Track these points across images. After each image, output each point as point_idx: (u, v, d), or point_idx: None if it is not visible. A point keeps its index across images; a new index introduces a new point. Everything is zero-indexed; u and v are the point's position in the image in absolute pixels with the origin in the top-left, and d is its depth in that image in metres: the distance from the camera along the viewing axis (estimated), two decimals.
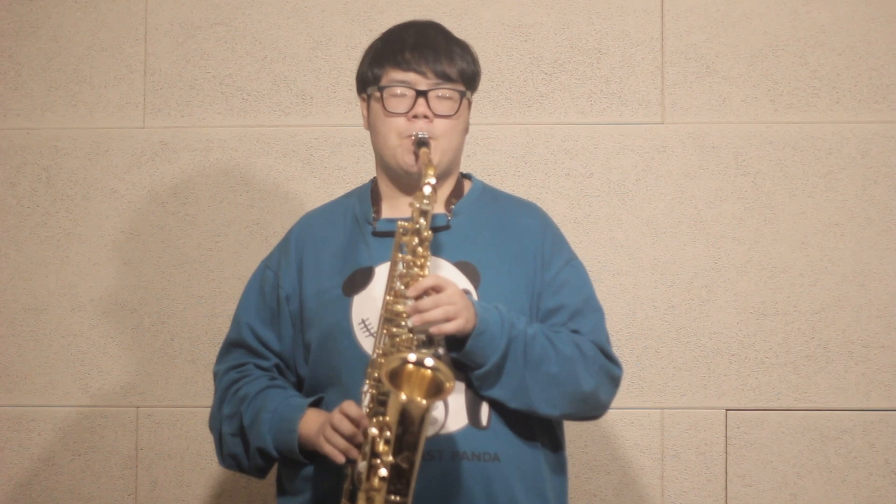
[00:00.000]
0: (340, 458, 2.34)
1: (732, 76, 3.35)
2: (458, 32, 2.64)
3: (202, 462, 3.38)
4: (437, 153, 2.48)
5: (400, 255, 2.38)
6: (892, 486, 3.28)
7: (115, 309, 3.41)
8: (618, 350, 3.28)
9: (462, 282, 2.46)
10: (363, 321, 2.44)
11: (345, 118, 3.37)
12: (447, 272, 2.46)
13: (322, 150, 3.40)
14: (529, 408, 2.41)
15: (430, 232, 2.37)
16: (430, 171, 2.38)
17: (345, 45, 3.40)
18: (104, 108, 3.45)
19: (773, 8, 3.35)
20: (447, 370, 2.25)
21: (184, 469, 3.39)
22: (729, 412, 3.31)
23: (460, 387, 2.41)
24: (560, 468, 2.55)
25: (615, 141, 3.36)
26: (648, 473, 3.31)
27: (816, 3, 3.35)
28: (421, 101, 2.47)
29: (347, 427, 2.32)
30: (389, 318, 2.35)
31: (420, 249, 2.37)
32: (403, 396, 2.22)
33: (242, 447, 2.54)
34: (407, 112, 2.47)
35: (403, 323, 2.34)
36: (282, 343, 2.60)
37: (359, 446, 2.31)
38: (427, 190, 2.36)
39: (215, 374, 2.65)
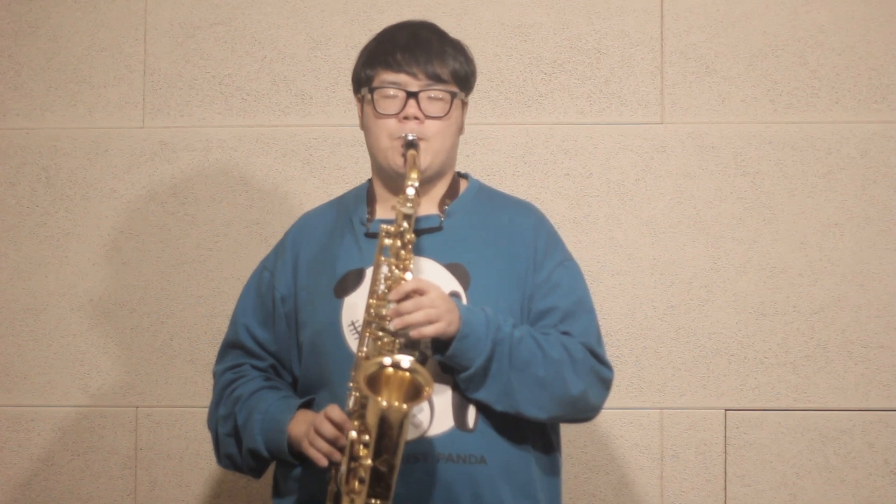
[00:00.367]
0: (323, 462, 2.37)
1: (732, 76, 3.35)
2: (458, 32, 2.64)
3: (201, 462, 3.38)
4: (429, 154, 2.48)
5: (383, 259, 2.38)
6: (891, 486, 3.28)
7: (115, 309, 3.41)
8: (617, 350, 3.30)
9: (451, 284, 2.46)
10: (353, 323, 2.44)
11: (344, 118, 3.37)
12: (437, 274, 2.46)
13: (321, 150, 3.40)
14: (516, 410, 2.41)
15: (412, 235, 2.38)
16: (414, 174, 2.39)
17: (344, 44, 3.40)
18: (103, 108, 3.45)
19: (773, 8, 3.35)
20: (426, 373, 2.27)
21: (183, 469, 3.39)
22: (728, 412, 3.31)
23: (446, 389, 2.42)
24: (553, 470, 2.54)
25: (614, 141, 3.36)
26: (648, 473, 3.31)
27: (816, 4, 3.35)
28: (411, 102, 2.46)
29: (329, 430, 2.35)
30: (372, 321, 2.36)
31: (403, 253, 2.38)
32: (381, 401, 2.24)
33: (237, 448, 2.56)
34: (397, 113, 2.47)
35: (386, 326, 2.34)
36: (278, 343, 2.61)
37: (342, 449, 2.32)
38: (410, 192, 2.37)
39: (214, 375, 2.67)
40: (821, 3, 3.34)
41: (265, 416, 2.49)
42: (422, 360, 2.38)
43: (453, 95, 2.50)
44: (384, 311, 2.34)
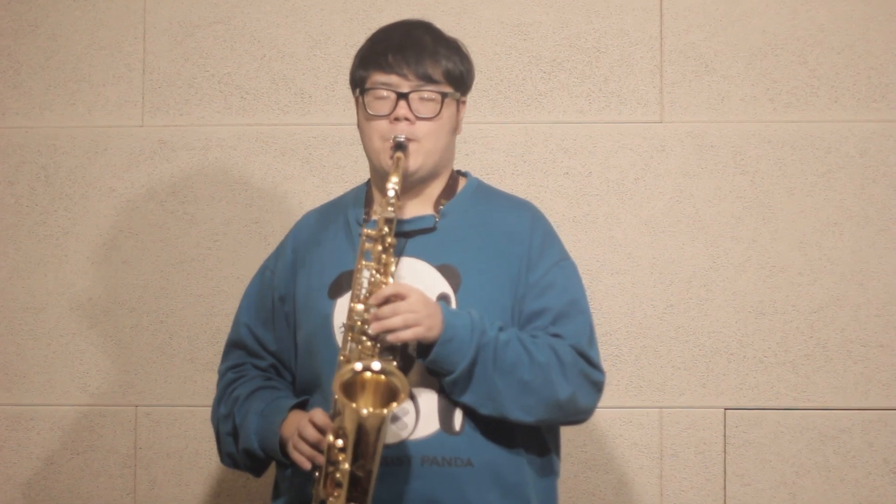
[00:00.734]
0: (306, 465, 2.39)
1: (731, 75, 3.35)
2: (457, 31, 2.64)
3: (201, 461, 3.38)
4: (421, 155, 2.48)
5: (364, 263, 2.39)
6: (890, 485, 3.28)
7: (114, 308, 3.41)
8: (616, 349, 3.30)
9: (442, 285, 2.46)
10: (344, 324, 2.44)
11: (343, 117, 3.37)
12: (428, 275, 2.47)
13: (321, 149, 3.40)
14: (501, 414, 2.40)
15: (393, 238, 2.39)
16: (395, 178, 2.40)
17: (343, 43, 3.40)
18: (103, 107, 3.45)
19: (772, 7, 3.35)
20: (402, 376, 2.28)
21: (182, 468, 3.39)
22: (728, 411, 3.31)
23: (433, 392, 2.42)
24: (547, 471, 2.54)
25: (614, 140, 3.36)
26: (647, 473, 3.31)
27: (815, 3, 3.35)
28: (402, 103, 2.46)
29: (312, 434, 2.37)
30: (354, 325, 2.37)
31: (384, 257, 2.38)
32: (355, 407, 2.25)
33: (236, 447, 2.57)
34: (388, 115, 2.47)
35: (367, 330, 2.35)
36: (278, 343, 2.63)
37: (324, 453, 2.33)
38: (391, 196, 2.38)
39: (218, 373, 2.70)
40: (820, 3, 3.34)
41: (260, 417, 2.51)
42: (407, 365, 2.39)
43: (444, 96, 2.49)
44: (366, 316, 2.35)
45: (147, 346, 3.40)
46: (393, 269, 2.39)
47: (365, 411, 2.25)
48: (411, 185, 2.52)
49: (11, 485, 3.41)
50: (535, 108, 3.38)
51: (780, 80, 3.34)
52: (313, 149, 3.40)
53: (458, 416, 2.42)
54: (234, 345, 2.68)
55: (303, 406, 2.51)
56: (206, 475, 3.39)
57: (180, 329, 3.40)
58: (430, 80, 2.48)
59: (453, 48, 2.54)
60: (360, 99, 2.52)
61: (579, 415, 2.52)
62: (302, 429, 2.39)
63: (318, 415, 2.38)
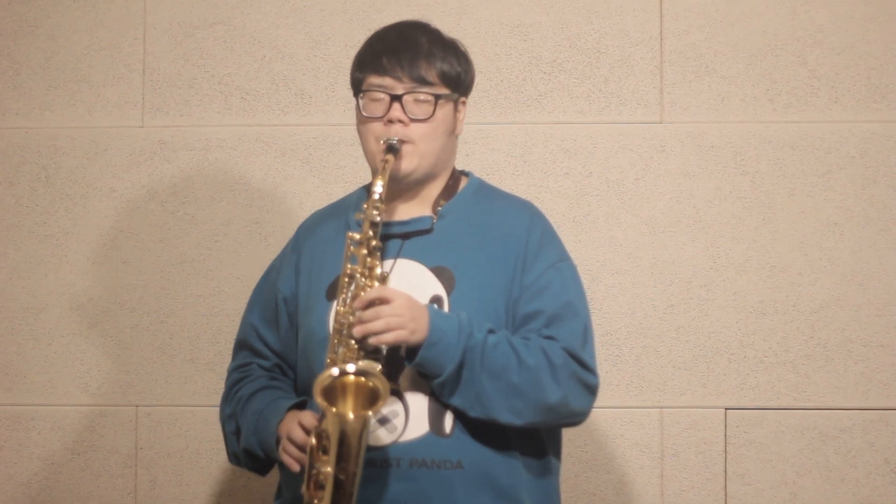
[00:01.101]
0: (295, 467, 2.41)
1: (731, 75, 3.35)
2: (457, 32, 2.63)
3: (201, 461, 3.38)
4: (416, 157, 2.48)
5: (350, 267, 2.40)
6: (891, 485, 3.28)
7: (114, 308, 3.42)
8: (617, 349, 3.30)
9: (436, 287, 2.46)
10: (332, 326, 2.43)
11: (343, 117, 3.37)
12: (422, 278, 2.47)
13: (321, 150, 3.40)
14: (490, 417, 2.40)
15: (378, 242, 2.40)
16: (379, 181, 2.40)
17: (343, 44, 3.39)
18: (103, 108, 3.45)
19: (772, 7, 3.35)
20: (382, 379, 2.28)
21: (183, 468, 3.39)
22: (728, 411, 3.31)
23: (423, 395, 2.42)
24: (545, 472, 2.53)
25: (614, 140, 3.35)
26: (648, 472, 3.31)
27: (815, 3, 3.34)
28: (396, 105, 2.47)
29: (299, 436, 2.39)
30: (340, 328, 2.38)
31: (369, 260, 2.39)
32: (342, 414, 2.26)
33: (239, 446, 2.59)
34: (382, 117, 2.47)
35: (353, 334, 2.36)
36: (282, 344, 2.64)
37: None
38: (375, 198, 2.38)
39: (227, 373, 2.71)
40: (820, 3, 3.34)
41: (260, 417, 2.52)
42: (397, 368, 2.40)
43: (438, 97, 2.49)
44: (351, 319, 2.36)
45: (147, 347, 3.41)
46: (379, 272, 2.40)
47: (343, 415, 2.26)
48: (408, 187, 2.52)
49: (12, 485, 3.42)
50: (535, 109, 3.38)
51: (780, 81, 3.34)
52: (313, 149, 3.40)
53: (448, 419, 2.42)
54: (240, 344, 2.70)
55: (301, 406, 2.52)
56: (206, 475, 3.39)
57: (181, 329, 3.40)
58: (424, 81, 2.48)
59: (450, 49, 2.54)
60: (358, 100, 2.52)
61: (572, 417, 2.51)
62: (290, 431, 2.41)
63: (307, 417, 2.39)
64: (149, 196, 3.42)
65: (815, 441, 3.29)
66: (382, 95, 2.48)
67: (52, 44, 3.46)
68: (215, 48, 3.44)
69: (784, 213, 3.31)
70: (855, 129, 3.31)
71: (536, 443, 2.51)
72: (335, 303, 2.45)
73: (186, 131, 3.43)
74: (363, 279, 2.39)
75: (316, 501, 2.31)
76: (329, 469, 2.28)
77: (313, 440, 2.31)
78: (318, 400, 2.26)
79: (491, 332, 2.42)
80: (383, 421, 2.41)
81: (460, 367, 2.37)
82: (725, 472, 3.30)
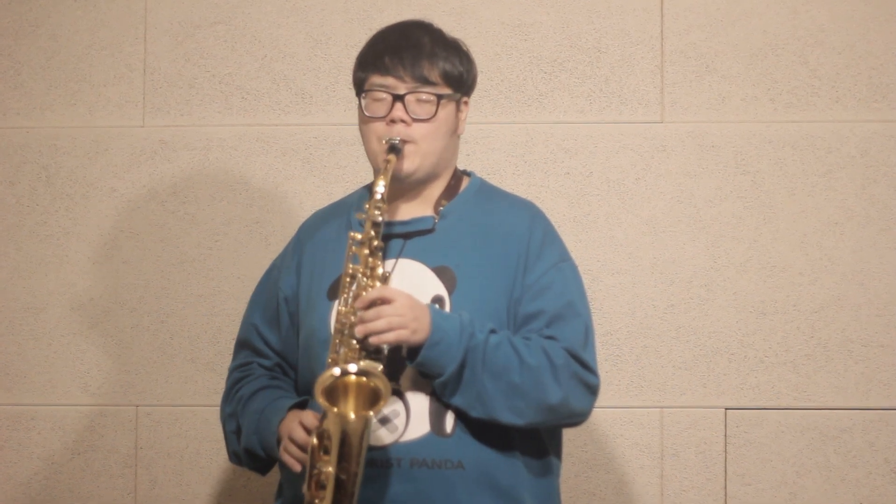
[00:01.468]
0: (297, 467, 2.40)
1: (732, 75, 3.35)
2: (457, 31, 2.63)
3: (201, 461, 3.38)
4: (418, 157, 2.48)
5: (352, 267, 2.40)
6: (891, 485, 3.28)
7: (115, 308, 3.41)
8: (617, 349, 3.30)
9: (437, 287, 2.46)
10: (334, 326, 2.43)
11: (344, 117, 3.37)
12: (424, 277, 2.47)
13: (321, 149, 3.40)
14: (491, 417, 2.40)
15: (380, 242, 2.39)
16: (381, 180, 2.40)
17: (344, 43, 3.40)
18: (104, 107, 3.45)
19: (773, 7, 3.35)
20: (383, 379, 2.27)
21: (183, 468, 3.39)
22: (728, 411, 3.31)
23: (424, 395, 2.42)
24: (545, 472, 2.53)
25: (615, 140, 3.36)
26: (648, 472, 3.31)
27: (816, 3, 3.34)
28: (398, 105, 2.46)
29: (300, 436, 2.38)
30: (342, 328, 2.37)
31: (371, 260, 2.39)
32: (343, 414, 2.26)
33: (239, 445, 2.58)
34: (385, 116, 2.47)
35: (355, 334, 2.36)
36: (283, 343, 2.64)
37: None
38: (378, 199, 2.38)
39: (228, 372, 2.71)
40: (821, 2, 3.34)
41: (261, 417, 2.52)
42: (398, 368, 2.40)
43: (440, 97, 2.49)
44: (353, 319, 2.36)
45: (148, 346, 3.40)
46: (380, 271, 2.40)
47: (344, 415, 2.26)
48: (410, 187, 2.52)
49: (12, 484, 3.41)
50: (535, 109, 3.38)
51: (780, 81, 3.34)
52: (314, 149, 3.41)
53: (449, 419, 2.42)
54: (241, 344, 2.70)
55: (302, 406, 2.51)
56: (206, 475, 3.39)
57: (181, 329, 3.40)
58: (426, 81, 2.47)
59: (452, 49, 2.53)
60: (360, 100, 2.52)
61: (573, 418, 2.51)
62: (291, 431, 2.40)
63: (308, 417, 2.39)
64: (149, 196, 3.42)
65: (816, 441, 3.29)
66: (385, 95, 2.48)
67: (53, 43, 3.46)
68: (216, 48, 3.44)
69: (785, 212, 3.31)
70: (856, 128, 3.32)
71: (537, 443, 2.51)
72: (337, 302, 2.45)
73: (187, 131, 3.43)
74: (365, 279, 2.38)
75: (317, 501, 2.30)
76: (330, 469, 2.28)
77: (315, 440, 2.31)
78: (320, 400, 2.26)
79: (492, 332, 2.41)
80: (384, 421, 2.40)
81: (462, 367, 2.37)
82: (725, 471, 3.30)
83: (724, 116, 3.34)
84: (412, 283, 2.44)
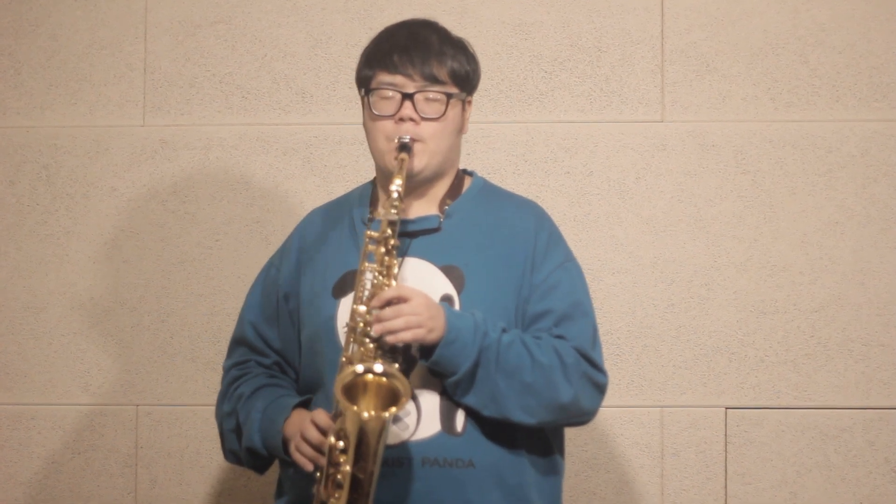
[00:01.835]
0: (309, 467, 2.39)
1: (732, 74, 3.35)
2: (458, 30, 2.63)
3: (202, 460, 3.38)
4: (426, 156, 2.48)
5: (368, 265, 2.39)
6: (891, 484, 3.28)
7: (115, 307, 3.41)
8: (617, 348, 3.30)
9: (446, 286, 2.46)
10: (347, 325, 2.43)
11: (345, 116, 3.37)
12: (432, 276, 2.47)
13: (322, 149, 3.40)
14: (503, 416, 2.40)
15: (396, 240, 2.39)
16: (398, 180, 2.39)
17: (345, 43, 3.40)
18: (104, 107, 3.45)
19: (773, 6, 3.35)
20: (403, 379, 2.27)
21: (183, 467, 3.39)
22: (728, 410, 3.31)
23: (434, 394, 2.42)
24: (551, 471, 2.53)
25: (615, 139, 3.36)
26: (648, 472, 3.31)
27: (816, 2, 3.35)
28: (407, 104, 2.46)
29: (314, 436, 2.37)
30: (356, 326, 2.37)
31: (387, 259, 2.38)
32: (356, 411, 2.25)
33: (239, 444, 2.57)
34: (393, 115, 2.47)
35: (369, 332, 2.35)
36: (282, 341, 2.63)
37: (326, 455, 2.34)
38: (394, 198, 2.38)
39: (223, 370, 2.70)
40: (821, 2, 3.34)
41: (263, 416, 2.51)
42: (409, 366, 2.39)
43: (449, 96, 2.49)
44: (368, 318, 2.35)
45: (148, 346, 3.40)
46: (396, 271, 2.39)
47: (366, 414, 2.25)
48: (416, 186, 2.52)
49: (12, 484, 3.41)
50: (536, 108, 3.38)
51: (781, 80, 3.34)
52: (314, 148, 3.41)
53: (459, 418, 2.42)
54: (238, 341, 2.69)
55: (306, 405, 2.51)
56: (206, 474, 3.39)
57: (181, 328, 3.40)
58: (435, 80, 2.48)
59: (459, 48, 2.54)
60: (366, 99, 2.51)
61: (582, 416, 2.52)
62: (304, 430, 2.39)
63: (321, 415, 2.37)
64: (150, 195, 3.42)
65: (816, 440, 3.29)
66: (393, 93, 2.47)
67: (53, 43, 3.46)
68: (216, 47, 3.44)
69: (785, 212, 3.32)
70: (856, 128, 3.32)
71: (543, 442, 2.52)
72: (342, 300, 2.45)
73: (187, 130, 3.43)
74: (381, 278, 2.38)
75: (332, 500, 2.30)
76: (348, 468, 2.27)
77: (332, 439, 2.30)
78: (340, 398, 2.25)
79: (504, 331, 2.42)
80: (395, 420, 2.40)
81: (476, 365, 2.37)
82: (726, 471, 3.30)
83: (724, 116, 3.34)
84: (420, 282, 2.44)
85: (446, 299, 2.45)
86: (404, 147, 2.45)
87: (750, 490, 3.29)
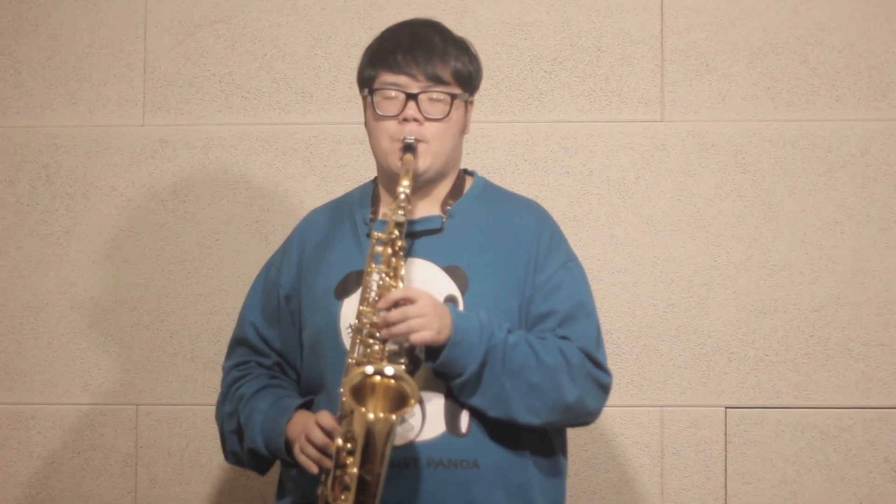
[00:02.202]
0: (313, 469, 2.38)
1: (732, 74, 3.35)
2: (458, 30, 2.63)
3: (202, 460, 3.38)
4: (429, 156, 2.48)
5: (374, 266, 2.39)
6: (891, 483, 3.28)
7: (115, 307, 3.41)
8: (617, 348, 3.30)
9: (449, 287, 2.46)
10: (350, 325, 2.43)
11: (344, 116, 3.37)
12: (435, 277, 2.47)
13: (321, 148, 3.40)
14: (509, 416, 2.40)
15: (403, 242, 2.39)
16: (406, 181, 2.39)
17: (344, 42, 3.40)
18: (104, 106, 3.45)
19: (773, 6, 3.35)
20: (412, 382, 2.27)
21: (183, 467, 3.39)
22: (728, 410, 3.31)
23: (439, 395, 2.42)
24: (554, 472, 2.53)
25: (615, 139, 3.36)
26: (648, 471, 3.31)
27: (816, 2, 3.35)
28: (411, 104, 2.46)
29: (319, 438, 2.36)
30: (362, 328, 2.36)
31: (394, 260, 2.38)
32: (365, 413, 2.25)
33: (240, 445, 2.57)
34: (397, 115, 2.46)
35: (377, 334, 2.35)
36: (283, 342, 2.62)
37: (331, 456, 2.33)
38: (402, 199, 2.37)
39: (223, 370, 2.70)
40: (821, 2, 3.34)
41: (265, 417, 2.50)
42: (414, 367, 2.39)
43: (453, 97, 2.49)
44: (375, 319, 2.35)
45: (148, 345, 3.40)
46: (403, 272, 2.39)
47: (373, 416, 2.24)
48: (419, 186, 2.51)
49: (13, 483, 3.41)
50: (535, 107, 3.38)
51: (780, 79, 3.34)
52: (314, 148, 3.41)
53: (464, 418, 2.42)
54: (238, 342, 2.68)
55: (308, 406, 2.51)
56: (206, 474, 3.39)
57: (181, 328, 3.40)
58: (439, 80, 2.47)
59: (462, 48, 2.54)
60: (369, 98, 2.51)
61: (586, 417, 2.52)
62: (309, 432, 2.38)
63: (325, 417, 2.37)
64: (150, 195, 3.42)
65: (816, 440, 3.29)
66: (397, 93, 2.47)
67: (53, 42, 3.46)
68: (216, 47, 3.44)
69: (785, 211, 3.32)
70: (856, 127, 3.32)
71: (546, 443, 2.52)
72: (345, 301, 2.44)
73: (187, 130, 3.43)
74: (387, 279, 2.37)
75: (340, 502, 2.29)
76: (355, 470, 2.27)
77: (340, 441, 2.29)
78: (349, 400, 2.25)
79: (509, 331, 2.42)
80: (400, 421, 2.39)
81: (482, 366, 2.37)
82: (725, 470, 3.30)
83: (724, 115, 3.34)
84: (424, 283, 2.44)
85: (450, 300, 2.45)
86: (409, 148, 2.44)
87: (750, 490, 3.29)
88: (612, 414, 3.30)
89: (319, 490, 2.35)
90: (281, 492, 2.59)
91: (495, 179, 2.76)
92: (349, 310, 2.45)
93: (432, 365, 2.38)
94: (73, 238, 3.43)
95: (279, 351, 2.63)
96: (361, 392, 2.27)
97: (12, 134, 3.45)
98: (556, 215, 2.68)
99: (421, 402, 2.41)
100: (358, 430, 2.26)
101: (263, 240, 3.37)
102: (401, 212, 2.37)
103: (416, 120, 2.46)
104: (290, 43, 3.43)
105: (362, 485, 2.27)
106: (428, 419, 2.41)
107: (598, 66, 3.37)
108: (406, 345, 2.35)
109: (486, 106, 3.36)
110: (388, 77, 2.48)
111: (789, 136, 3.33)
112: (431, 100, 2.47)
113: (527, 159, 3.37)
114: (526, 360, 2.39)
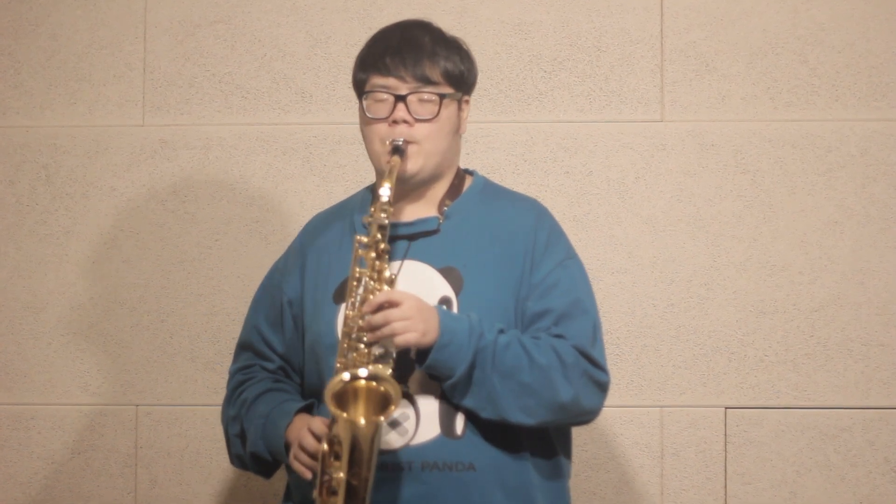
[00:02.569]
0: (307, 475, 2.39)
1: (732, 74, 3.35)
2: (457, 30, 2.63)
3: (202, 460, 3.38)
4: (421, 157, 2.47)
5: (359, 270, 2.39)
6: (891, 483, 3.28)
7: (115, 307, 3.41)
8: (617, 348, 3.30)
9: (444, 288, 2.46)
10: (342, 330, 2.42)
11: (344, 116, 3.37)
12: (430, 278, 2.46)
13: (321, 149, 3.40)
14: (501, 417, 2.39)
15: (387, 245, 2.38)
16: (387, 183, 2.39)
17: (344, 42, 3.40)
18: (103, 106, 3.45)
19: (773, 6, 3.35)
20: (393, 382, 2.27)
21: (183, 467, 3.39)
22: (728, 410, 3.31)
23: (433, 397, 2.42)
24: (555, 474, 2.53)
25: (614, 139, 3.36)
26: (648, 472, 3.31)
27: (816, 1, 3.35)
28: (400, 105, 2.45)
29: (310, 443, 2.37)
30: (349, 332, 2.37)
31: (377, 263, 2.38)
32: (354, 419, 2.25)
33: (244, 449, 2.57)
34: (387, 117, 2.46)
35: (363, 338, 2.35)
36: (286, 346, 2.62)
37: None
38: (383, 202, 2.37)
39: (229, 374, 2.70)
40: (821, 2, 3.34)
41: (267, 421, 2.50)
42: (406, 370, 2.39)
43: (442, 97, 2.48)
44: (360, 323, 2.35)
45: (148, 346, 3.40)
46: (387, 274, 2.39)
47: (354, 420, 2.25)
48: (414, 187, 2.51)
49: (12, 484, 3.41)
50: (535, 107, 3.38)
51: (780, 79, 3.34)
52: (314, 148, 3.41)
53: (459, 421, 2.42)
54: (243, 346, 2.69)
55: (308, 409, 2.51)
56: (206, 474, 3.39)
57: (181, 328, 3.40)
58: (428, 81, 2.47)
59: (453, 48, 2.53)
60: (361, 102, 2.51)
61: (584, 416, 2.51)
62: (301, 438, 2.39)
63: (317, 423, 2.37)
64: (149, 195, 3.42)
65: (816, 440, 3.29)
66: (386, 96, 2.47)
67: (53, 42, 3.46)
68: (216, 47, 3.44)
69: (784, 211, 3.32)
70: (856, 127, 3.32)
71: (546, 444, 2.51)
72: (343, 306, 2.44)
73: (187, 130, 3.43)
74: (372, 282, 2.37)
75: None
76: (342, 475, 2.27)
77: (325, 446, 2.30)
78: (330, 405, 2.25)
79: (501, 331, 2.41)
80: (394, 424, 2.39)
81: (472, 368, 2.36)
82: (725, 471, 3.30)
83: (724, 115, 3.34)
84: (419, 285, 2.43)
85: (444, 301, 2.44)
86: (397, 150, 2.44)
87: (750, 490, 3.29)
88: (611, 414, 3.30)
89: (314, 494, 2.35)
90: (287, 494, 2.60)
91: (495, 179, 2.76)
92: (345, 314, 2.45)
93: (421, 367, 2.37)
94: (73, 238, 3.43)
95: (283, 355, 2.63)
96: (345, 397, 2.27)
97: (12, 134, 3.45)
98: (556, 215, 2.67)
99: (415, 405, 2.41)
100: (343, 434, 2.26)
101: (263, 240, 3.38)
102: (383, 215, 2.37)
103: (405, 121, 2.45)
104: (289, 43, 3.43)
105: (350, 490, 2.27)
106: (423, 422, 2.40)
107: (598, 66, 3.37)
108: (392, 348, 2.34)
109: (486, 106, 3.36)
110: (377, 80, 2.48)
111: (789, 136, 3.33)
112: (421, 101, 2.47)
113: (526, 159, 3.37)
114: (518, 361, 2.38)
